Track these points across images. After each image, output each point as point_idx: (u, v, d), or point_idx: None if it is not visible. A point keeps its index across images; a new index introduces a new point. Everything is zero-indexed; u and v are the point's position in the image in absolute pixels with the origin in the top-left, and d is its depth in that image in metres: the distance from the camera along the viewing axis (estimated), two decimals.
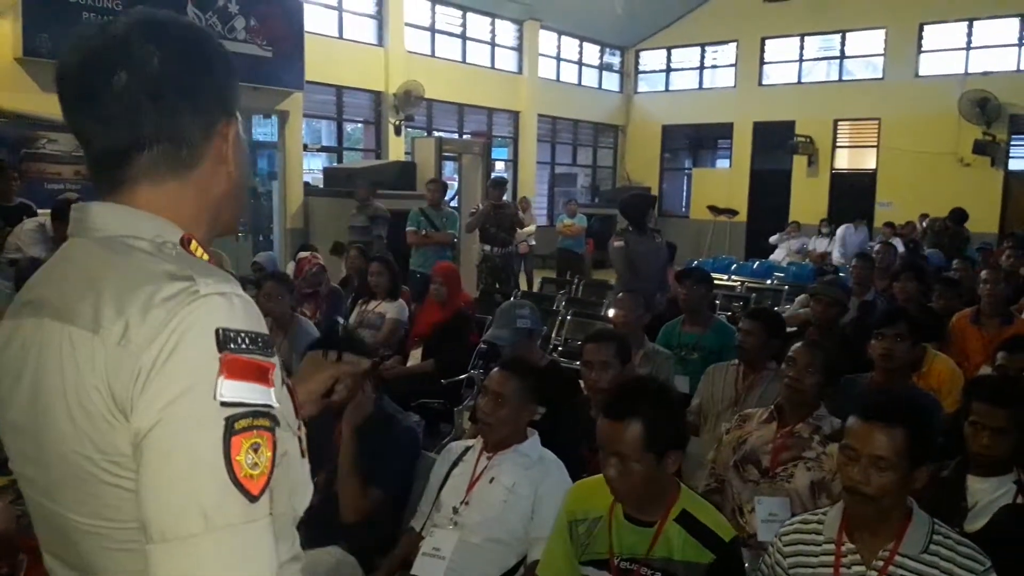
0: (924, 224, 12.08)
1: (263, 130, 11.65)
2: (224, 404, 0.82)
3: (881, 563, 1.86)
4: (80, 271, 0.92)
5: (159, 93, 0.93)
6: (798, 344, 2.93)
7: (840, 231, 12.35)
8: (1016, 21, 14.39)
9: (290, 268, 6.69)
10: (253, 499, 0.83)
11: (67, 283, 0.92)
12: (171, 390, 0.81)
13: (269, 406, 0.86)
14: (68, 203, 6.50)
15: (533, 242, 11.93)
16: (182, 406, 0.81)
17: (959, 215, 10.10)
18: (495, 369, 2.78)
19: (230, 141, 1.00)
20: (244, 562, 0.83)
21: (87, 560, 0.93)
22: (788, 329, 4.22)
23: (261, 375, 0.86)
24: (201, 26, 1.04)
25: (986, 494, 2.37)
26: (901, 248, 9.00)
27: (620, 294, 4.59)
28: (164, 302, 0.83)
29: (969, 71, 14.61)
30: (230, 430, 0.82)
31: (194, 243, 0.95)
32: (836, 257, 11.49)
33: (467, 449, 2.74)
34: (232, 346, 0.83)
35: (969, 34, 14.85)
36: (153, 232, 0.93)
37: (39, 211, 6.50)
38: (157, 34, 0.94)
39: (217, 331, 0.83)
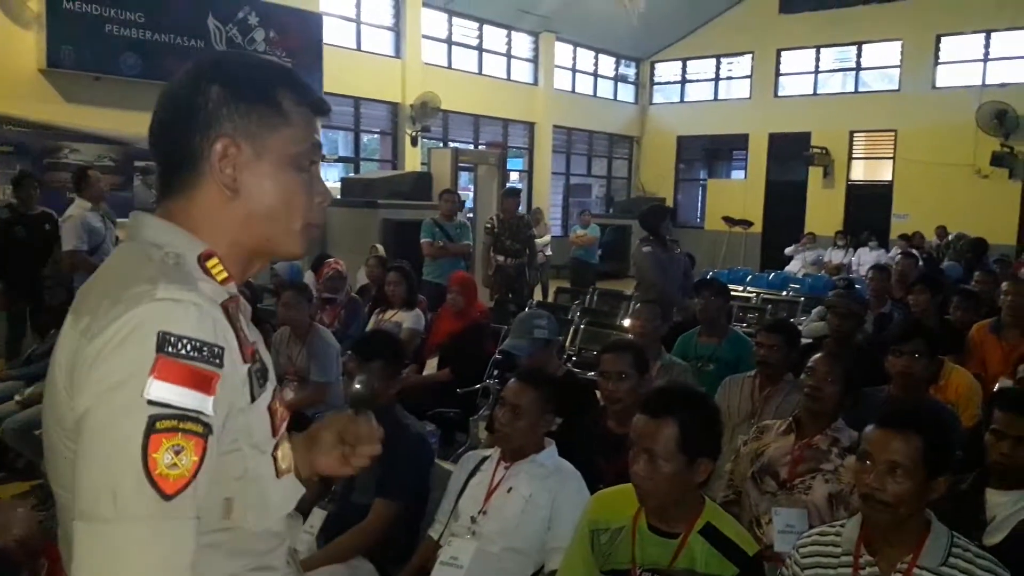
0: (949, 238, 12.00)
1: None
2: (150, 402, 0.86)
3: (899, 575, 1.86)
4: (105, 271, 1.01)
5: (171, 118, 1.05)
6: (818, 354, 2.93)
7: (856, 256, 12.63)
8: None
9: (308, 278, 6.72)
10: (167, 497, 0.86)
11: (94, 281, 1.01)
12: (107, 380, 0.87)
13: (200, 412, 0.89)
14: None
15: (549, 252, 11.96)
16: (112, 396, 0.87)
17: (983, 245, 10.07)
18: (512, 380, 2.78)
19: (235, 163, 1.04)
20: (151, 556, 0.86)
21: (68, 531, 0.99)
22: (804, 341, 4.22)
23: (199, 382, 0.89)
24: (254, 58, 1.15)
25: (1005, 508, 2.36)
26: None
27: (638, 304, 4.60)
28: (124, 301, 0.90)
29: (987, 83, 14.56)
30: (151, 427, 0.86)
31: (214, 260, 1.02)
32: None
33: (484, 459, 2.76)
34: (170, 349, 0.88)
35: (987, 46, 14.79)
36: (171, 242, 1.01)
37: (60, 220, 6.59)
38: (193, 73, 1.06)
39: (159, 333, 0.88)
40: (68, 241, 5.94)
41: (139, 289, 0.91)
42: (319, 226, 1.15)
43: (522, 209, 9.28)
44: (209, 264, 1.02)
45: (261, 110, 1.05)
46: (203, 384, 0.90)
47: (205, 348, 0.91)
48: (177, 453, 0.87)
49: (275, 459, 1.07)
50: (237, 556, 1.03)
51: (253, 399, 1.01)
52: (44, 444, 1.02)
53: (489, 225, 8.08)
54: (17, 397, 4.51)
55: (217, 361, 0.92)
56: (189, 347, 0.89)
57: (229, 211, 1.05)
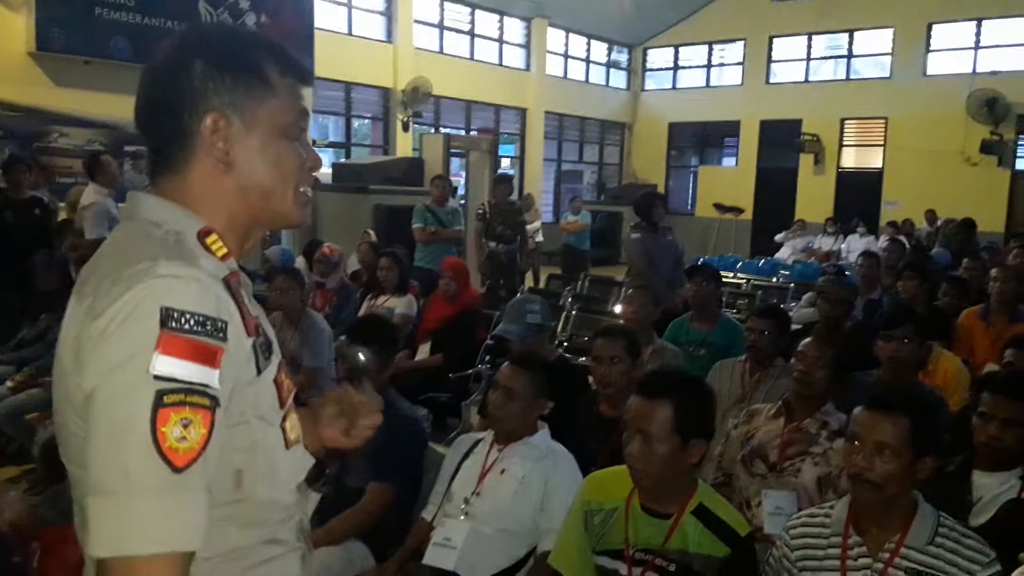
0: (937, 224, 12.09)
1: None
2: (157, 377, 0.88)
3: (887, 555, 1.89)
4: (106, 251, 1.02)
5: (158, 97, 1.05)
6: (807, 339, 2.96)
7: (846, 243, 12.71)
8: None
9: (299, 263, 6.72)
10: (177, 470, 0.88)
11: (96, 262, 1.02)
12: (113, 358, 0.88)
13: (207, 385, 0.90)
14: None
15: (540, 238, 11.96)
16: (119, 374, 0.88)
17: (971, 225, 10.18)
18: (505, 364, 2.81)
19: (225, 137, 1.04)
20: (162, 527, 0.87)
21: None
22: (794, 327, 4.25)
23: (204, 355, 0.90)
24: (235, 31, 1.16)
25: (991, 489, 2.40)
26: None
27: (630, 290, 4.61)
28: (127, 279, 0.91)
29: (977, 71, 14.59)
30: (159, 402, 0.87)
31: (213, 236, 1.03)
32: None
33: (478, 441, 2.78)
34: (173, 324, 0.89)
35: (978, 34, 14.81)
36: (170, 220, 1.01)
37: (51, 205, 6.58)
38: (177, 49, 1.06)
39: (162, 309, 0.89)
40: (92, 229, 5.84)
41: (140, 267, 0.92)
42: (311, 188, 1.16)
43: (514, 196, 9.29)
44: (208, 241, 1.02)
45: (248, 82, 1.06)
46: (208, 357, 0.91)
47: (208, 322, 0.92)
48: (186, 426, 0.88)
49: (283, 430, 1.08)
50: (249, 527, 1.05)
51: (259, 372, 1.03)
52: (55, 423, 1.03)
53: (481, 211, 8.08)
54: (8, 382, 4.50)
55: (221, 335, 0.93)
56: (192, 321, 0.90)
57: (223, 185, 1.06)
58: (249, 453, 1.02)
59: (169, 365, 0.88)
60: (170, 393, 0.88)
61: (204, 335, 0.91)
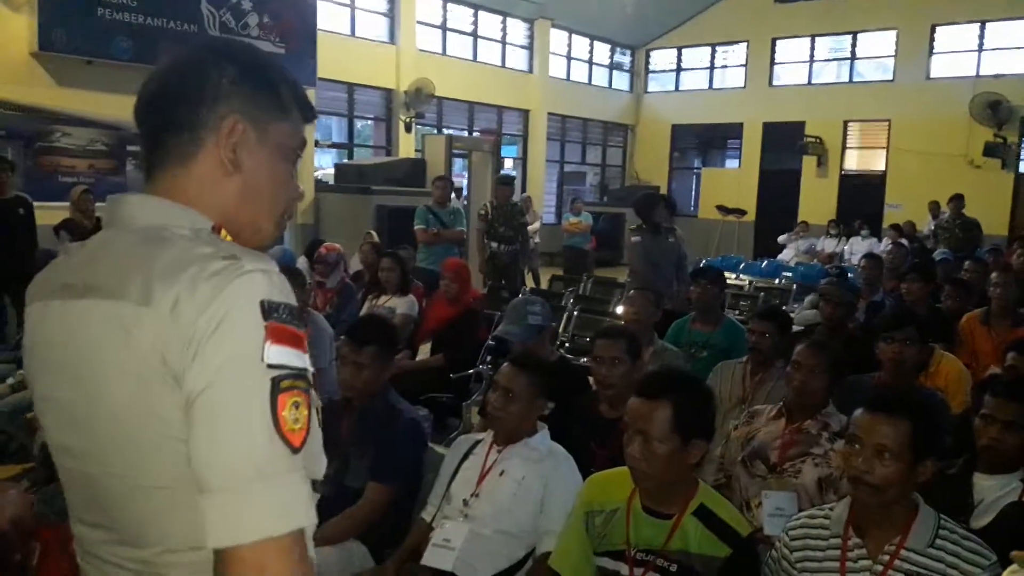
0: (933, 225, 12.06)
1: None
2: (270, 366, 0.91)
3: (887, 557, 1.88)
4: (123, 256, 1.00)
5: (177, 85, 1.07)
6: (801, 346, 2.94)
7: (848, 245, 12.71)
8: None
9: (301, 263, 6.72)
10: (295, 451, 0.92)
11: (112, 267, 1.00)
12: (221, 355, 0.91)
13: (305, 369, 0.96)
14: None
15: (538, 239, 11.97)
16: (233, 369, 0.91)
17: (958, 197, 10.22)
18: (505, 364, 2.80)
19: (239, 140, 1.07)
20: (288, 508, 0.91)
21: (138, 520, 1.00)
22: (795, 328, 4.25)
23: (298, 342, 0.95)
24: (260, 50, 1.19)
25: (992, 491, 2.39)
26: None
27: (632, 291, 4.61)
28: (211, 277, 0.92)
29: (981, 73, 14.57)
30: (276, 389, 0.91)
31: (224, 231, 1.05)
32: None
33: (477, 442, 2.78)
34: (275, 315, 0.93)
35: (981, 36, 14.79)
36: (188, 221, 1.03)
37: (46, 203, 6.59)
38: (205, 51, 1.11)
39: (262, 302, 0.93)
40: None
41: (221, 264, 0.94)
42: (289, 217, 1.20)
43: (515, 197, 9.30)
44: (222, 236, 1.05)
45: (268, 97, 1.10)
46: (301, 343, 0.96)
47: (293, 310, 0.96)
48: (296, 408, 0.93)
49: (317, 410, 1.12)
50: None
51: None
52: (91, 430, 1.01)
53: (483, 212, 8.09)
54: (10, 380, 4.50)
55: (302, 322, 0.97)
56: (286, 312, 0.94)
57: (225, 186, 1.08)
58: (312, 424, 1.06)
59: (278, 353, 0.92)
60: (284, 379, 0.92)
61: (293, 323, 0.95)
